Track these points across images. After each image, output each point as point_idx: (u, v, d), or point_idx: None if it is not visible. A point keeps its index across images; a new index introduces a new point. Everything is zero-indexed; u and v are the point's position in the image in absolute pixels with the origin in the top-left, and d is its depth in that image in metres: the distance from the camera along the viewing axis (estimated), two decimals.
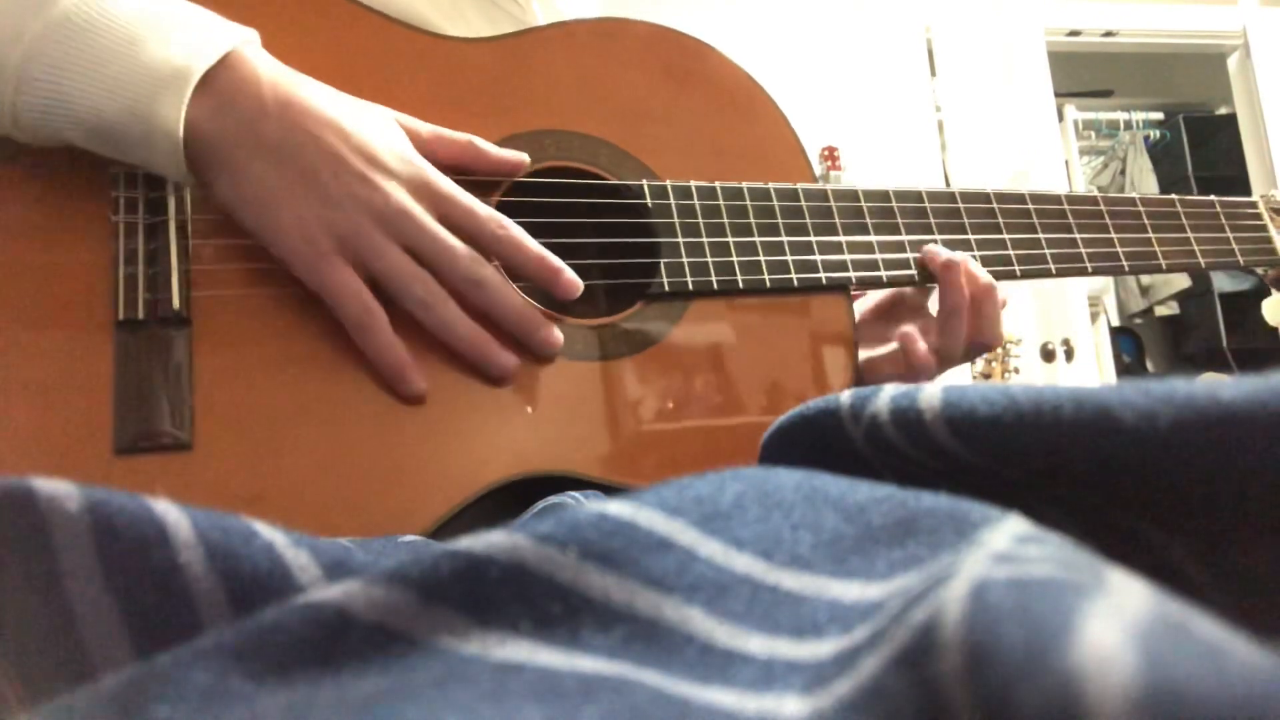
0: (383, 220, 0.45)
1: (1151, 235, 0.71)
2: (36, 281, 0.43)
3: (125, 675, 0.18)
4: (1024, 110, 2.90)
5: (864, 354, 0.67)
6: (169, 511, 0.22)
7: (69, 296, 0.43)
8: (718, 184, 0.58)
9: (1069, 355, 2.72)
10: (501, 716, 0.16)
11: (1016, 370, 2.50)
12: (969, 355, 0.64)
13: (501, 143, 0.54)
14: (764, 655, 0.18)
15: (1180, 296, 4.11)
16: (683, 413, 0.54)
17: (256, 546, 0.23)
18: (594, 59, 0.59)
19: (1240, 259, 0.75)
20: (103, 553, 0.22)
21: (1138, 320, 4.34)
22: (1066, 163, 3.61)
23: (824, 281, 0.59)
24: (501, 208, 0.51)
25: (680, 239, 0.56)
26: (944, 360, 0.63)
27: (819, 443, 0.32)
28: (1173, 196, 0.74)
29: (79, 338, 0.43)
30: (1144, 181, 4.09)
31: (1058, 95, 3.08)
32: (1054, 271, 0.66)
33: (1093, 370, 2.80)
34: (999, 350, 2.49)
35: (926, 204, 0.64)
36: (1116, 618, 0.13)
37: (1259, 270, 0.79)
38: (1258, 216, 0.77)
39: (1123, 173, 4.14)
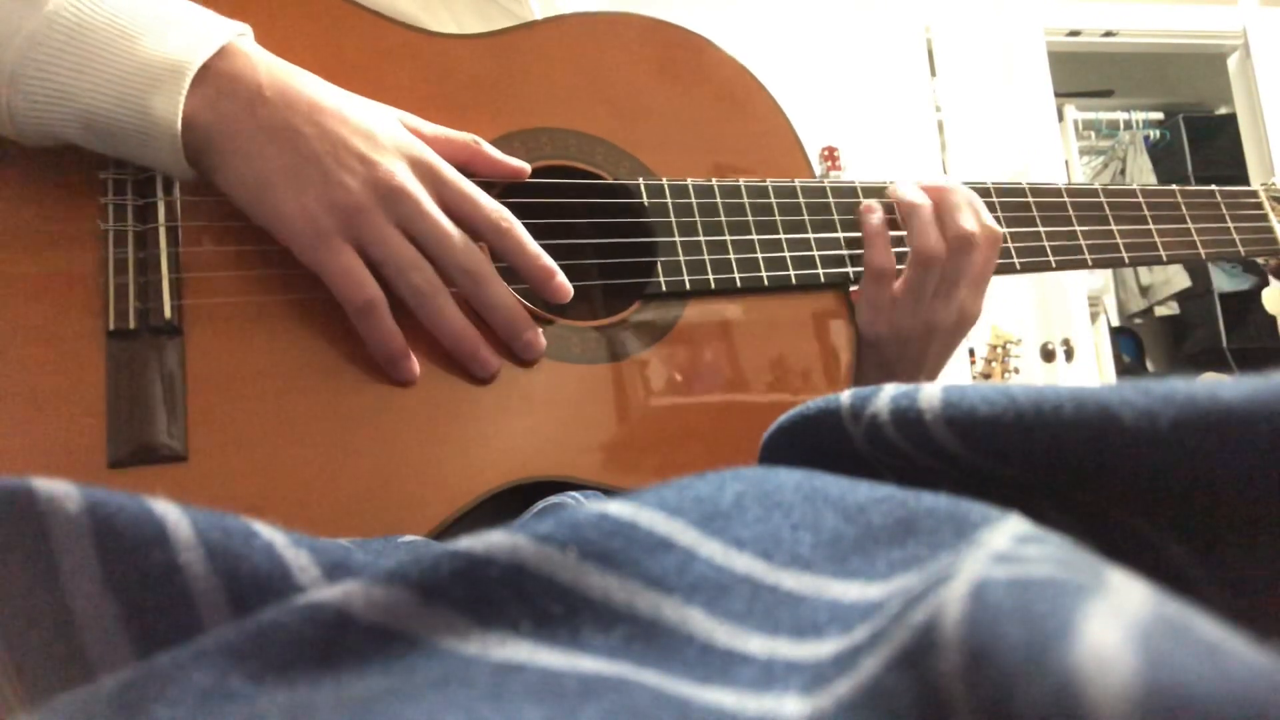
0: (383, 198, 0.45)
1: (1152, 226, 0.70)
2: (26, 292, 0.43)
3: (125, 675, 0.18)
4: (1024, 110, 2.90)
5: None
6: (169, 511, 0.22)
7: (60, 307, 0.43)
8: (715, 182, 0.58)
9: (1069, 355, 2.72)
10: (502, 717, 0.16)
11: (1016, 370, 2.50)
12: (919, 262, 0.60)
13: (497, 141, 0.54)
14: (764, 655, 0.18)
15: (1180, 296, 4.12)
16: (682, 413, 0.54)
17: (256, 546, 0.23)
18: (589, 53, 0.59)
19: (1241, 249, 0.75)
20: (102, 553, 0.22)
21: (1138, 320, 4.34)
22: (1066, 163, 3.61)
23: (822, 279, 0.59)
24: None
25: (677, 238, 0.56)
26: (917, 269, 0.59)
27: (819, 442, 0.32)
28: (1173, 187, 0.73)
29: (71, 349, 0.42)
30: (1144, 181, 4.08)
31: (1058, 95, 3.08)
32: (1054, 264, 0.66)
33: (1093, 370, 2.80)
34: (999, 350, 2.49)
35: None
36: (1117, 618, 0.13)
37: (1259, 260, 0.79)
38: (1258, 206, 0.77)
39: (1123, 173, 4.14)
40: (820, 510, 0.22)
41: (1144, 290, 4.18)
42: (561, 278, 0.50)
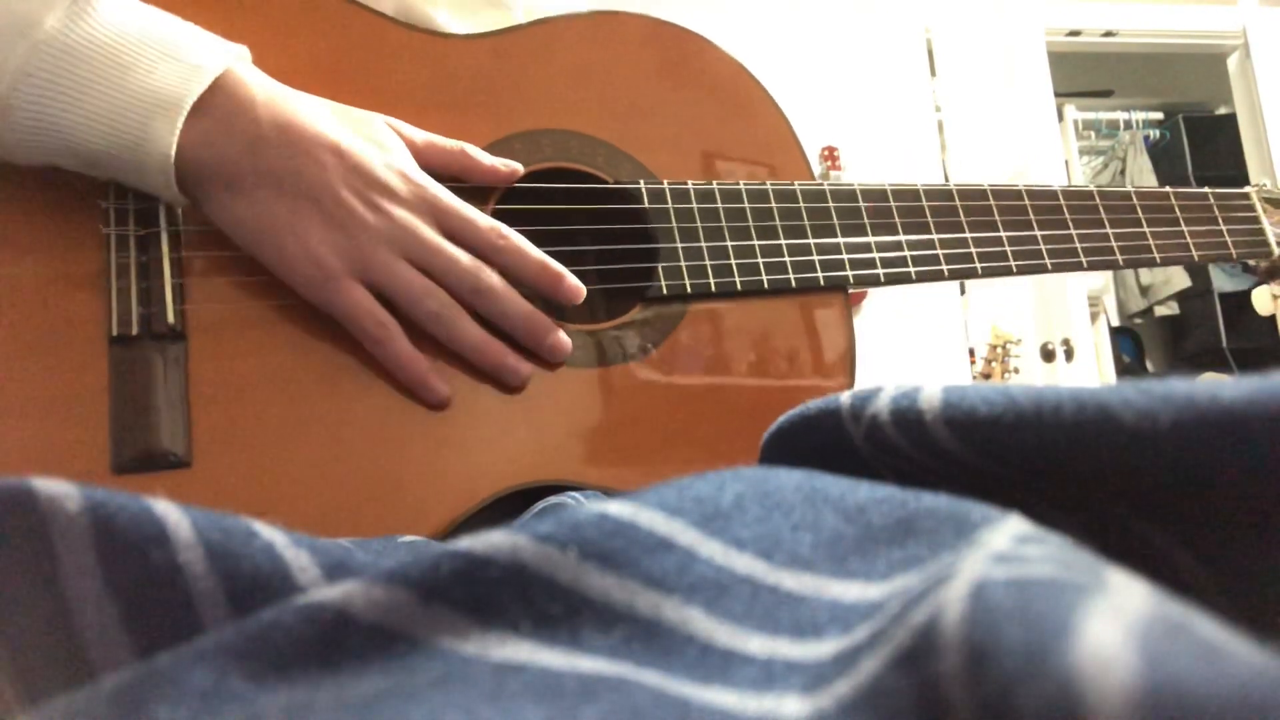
0: (388, 239, 0.46)
1: (1146, 230, 0.70)
2: (29, 297, 0.42)
3: (125, 675, 0.18)
4: (1024, 110, 2.89)
5: None
6: (169, 511, 0.22)
7: (62, 312, 0.43)
8: (715, 184, 0.58)
9: (1069, 355, 2.72)
10: (502, 717, 0.16)
11: (1016, 370, 2.50)
12: None
13: (499, 143, 0.54)
14: (764, 655, 0.18)
15: (1180, 296, 4.11)
16: (683, 416, 0.54)
17: (256, 546, 0.23)
18: (589, 54, 0.59)
19: (1233, 251, 0.75)
20: (102, 552, 0.22)
21: (1138, 320, 4.34)
22: (1066, 163, 3.61)
23: (822, 282, 0.59)
24: (498, 214, 0.51)
25: (678, 242, 0.56)
26: None
27: (819, 443, 0.32)
28: (1167, 189, 0.73)
29: (74, 354, 0.42)
30: (1144, 181, 4.08)
31: (1058, 95, 3.08)
32: (1050, 267, 0.66)
33: (1092, 370, 2.80)
34: (999, 350, 2.49)
35: (923, 201, 0.64)
36: (1116, 618, 0.13)
37: (1250, 262, 0.79)
38: (1250, 208, 0.77)
39: (1122, 173, 4.14)
40: (820, 510, 0.22)
41: (1144, 290, 4.18)
42: (571, 279, 0.51)
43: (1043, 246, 0.66)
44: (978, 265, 0.63)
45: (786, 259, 0.58)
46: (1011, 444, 0.23)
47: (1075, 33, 3.14)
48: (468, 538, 0.20)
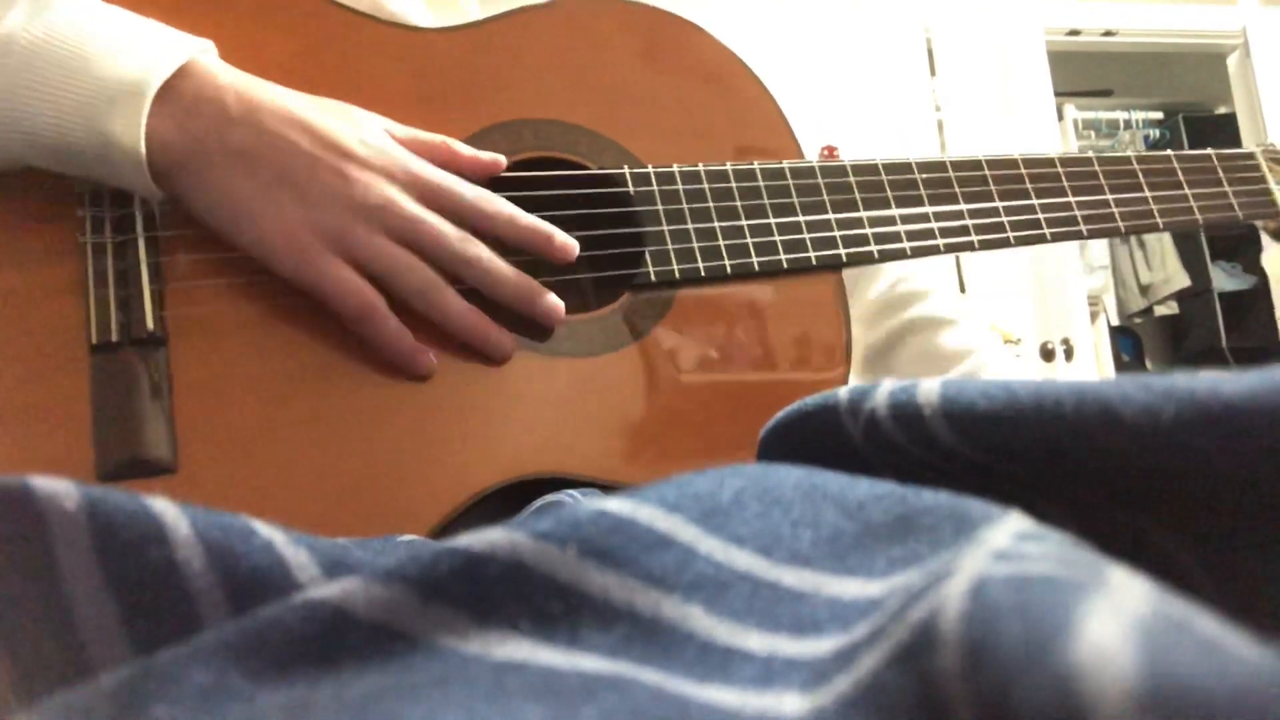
0: (365, 213, 0.45)
1: (1148, 194, 0.68)
2: (7, 308, 0.42)
3: (124, 673, 0.18)
4: (1024, 110, 2.89)
5: None
6: (167, 509, 0.22)
7: (41, 322, 0.42)
8: (701, 166, 0.57)
9: (1069, 355, 2.72)
10: (501, 715, 0.16)
11: None
12: None
13: (479, 135, 0.53)
14: (764, 653, 0.18)
15: (1180, 296, 4.11)
16: (676, 403, 0.53)
17: (255, 545, 0.23)
18: (569, 41, 0.58)
19: (1239, 213, 0.73)
20: (101, 551, 0.22)
21: (1137, 320, 4.33)
22: None
23: (814, 261, 0.57)
24: None
25: (665, 226, 0.55)
26: None
27: (817, 439, 0.32)
28: (1168, 153, 0.72)
29: (54, 364, 0.42)
30: None
31: (1058, 95, 3.08)
32: (1049, 237, 0.64)
33: (1092, 370, 2.80)
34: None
35: (916, 175, 0.62)
36: (1116, 615, 0.13)
37: (1258, 223, 0.77)
38: (1255, 168, 0.75)
39: None
40: (820, 507, 0.22)
41: (1144, 289, 4.18)
42: (562, 236, 0.50)
43: (1040, 215, 0.64)
44: (974, 238, 0.62)
45: (777, 238, 0.57)
46: (1011, 439, 0.23)
47: (1075, 32, 3.14)
48: (467, 535, 0.20)
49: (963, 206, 0.62)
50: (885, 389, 0.28)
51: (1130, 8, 3.18)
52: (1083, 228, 0.65)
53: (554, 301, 0.50)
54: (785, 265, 0.56)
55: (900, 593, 0.18)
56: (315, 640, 0.19)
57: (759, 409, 0.49)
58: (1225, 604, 0.21)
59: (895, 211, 0.60)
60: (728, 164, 0.57)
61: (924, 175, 0.62)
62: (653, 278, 0.54)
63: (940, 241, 0.61)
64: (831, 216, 0.59)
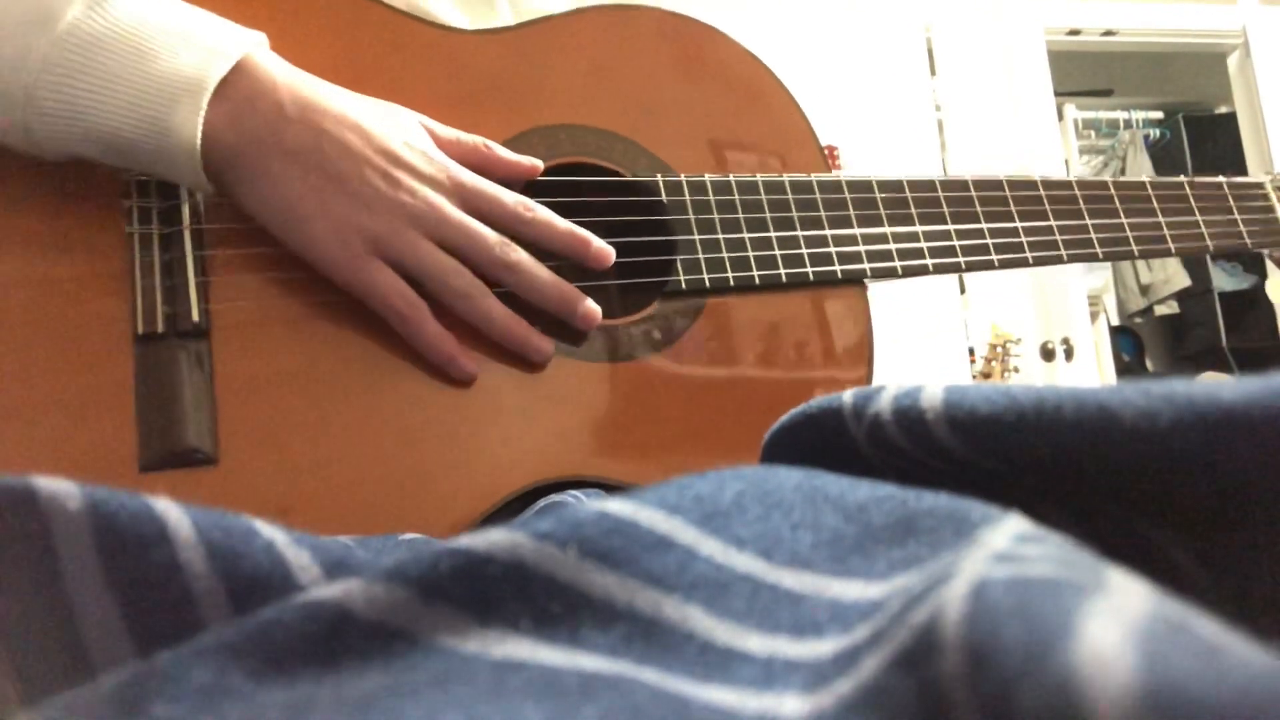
0: (413, 218, 0.46)
1: (1161, 219, 0.71)
2: (54, 297, 0.42)
3: (125, 673, 0.18)
4: (1024, 110, 2.89)
5: None
6: (169, 510, 0.22)
7: (87, 312, 0.43)
8: (732, 177, 0.58)
9: (1069, 354, 2.72)
10: (501, 715, 0.16)
11: (1016, 369, 2.50)
12: None
13: (517, 139, 0.54)
14: (764, 654, 0.18)
15: (1180, 296, 4.11)
16: (704, 409, 0.54)
17: (256, 545, 0.23)
18: (605, 48, 0.59)
19: (1248, 240, 0.75)
20: (103, 551, 0.22)
21: (1138, 320, 4.33)
22: (1066, 162, 3.61)
23: (839, 274, 0.59)
24: None
25: (696, 235, 0.56)
26: None
27: (820, 442, 0.32)
28: (1182, 179, 0.74)
29: (99, 353, 0.42)
30: None
31: (1058, 94, 3.08)
32: (1065, 258, 0.66)
33: (1092, 370, 2.80)
34: (999, 350, 2.49)
35: (940, 193, 0.64)
36: (1116, 617, 0.13)
37: (1265, 251, 0.79)
38: (1265, 197, 0.77)
39: (1123, 172, 4.14)
40: (820, 509, 0.22)
41: (1144, 289, 4.18)
42: (598, 242, 0.51)
43: (1059, 237, 0.66)
44: (994, 257, 0.64)
45: (804, 251, 0.58)
46: (1012, 443, 0.23)
47: (1075, 32, 3.14)
48: (467, 535, 0.20)
49: (984, 225, 0.65)
50: (889, 393, 0.28)
51: (1130, 8, 3.18)
52: (1098, 250, 0.68)
53: (592, 307, 0.51)
54: (811, 278, 0.58)
55: (901, 595, 0.18)
56: (316, 640, 0.19)
57: (783, 414, 0.52)
58: (1224, 607, 0.21)
59: (919, 229, 0.62)
60: (758, 176, 0.59)
61: (946, 194, 0.64)
62: (683, 285, 0.55)
63: (961, 260, 0.63)
64: (857, 231, 0.60)
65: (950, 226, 0.63)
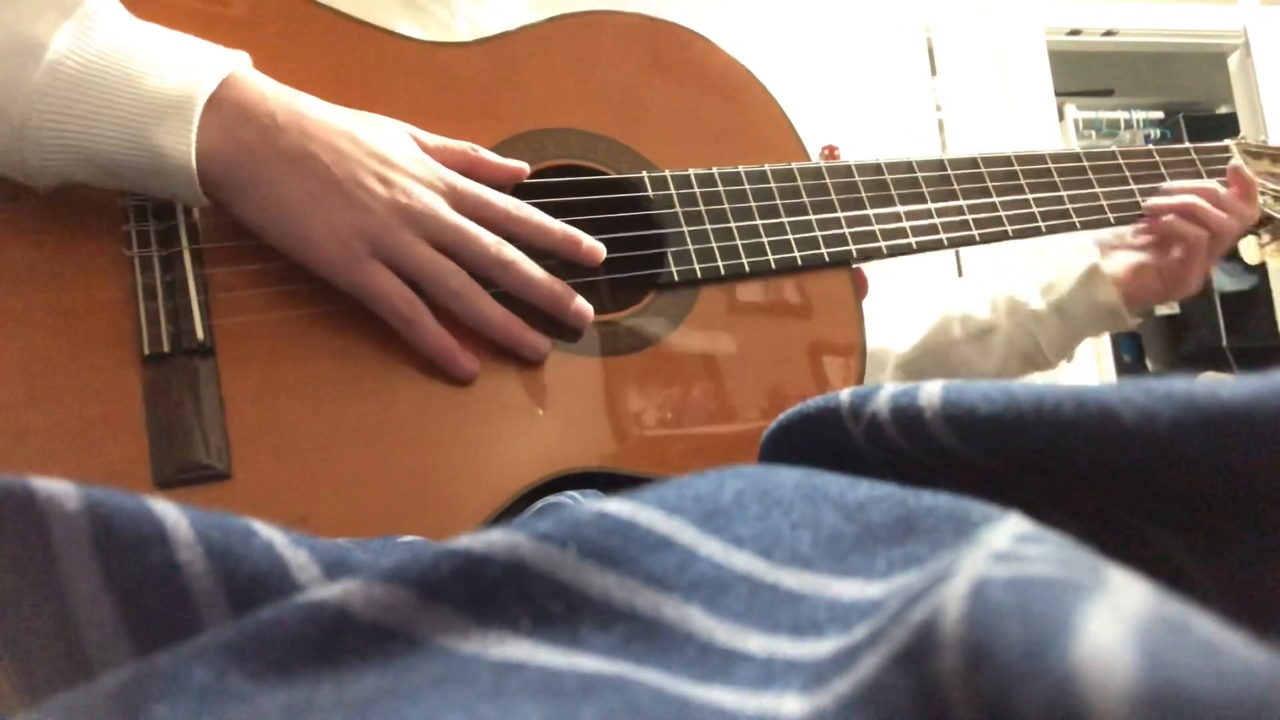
0: (409, 218, 0.46)
1: (1134, 187, 0.73)
2: (59, 323, 0.43)
3: (124, 674, 0.18)
4: (1024, 109, 2.89)
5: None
6: (168, 511, 0.22)
7: (93, 336, 0.43)
8: (715, 170, 0.59)
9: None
10: (501, 715, 0.16)
11: None
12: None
13: (501, 145, 0.55)
14: (764, 654, 0.18)
15: None
16: (705, 397, 0.55)
17: (255, 545, 0.23)
18: (584, 53, 0.60)
19: None
20: (102, 552, 0.22)
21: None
22: None
23: (826, 258, 0.60)
24: None
25: (685, 228, 0.57)
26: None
27: (819, 441, 0.32)
28: (1150, 147, 0.76)
29: (108, 377, 0.43)
30: None
31: (1058, 94, 3.08)
32: (1043, 230, 0.68)
33: (1093, 369, 2.80)
34: None
35: (918, 173, 0.66)
36: (1116, 617, 0.13)
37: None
38: (1230, 160, 0.79)
39: None
40: (820, 509, 0.22)
41: None
42: (589, 240, 0.52)
43: (1035, 210, 0.68)
44: (975, 232, 0.66)
45: (790, 237, 0.60)
46: (1011, 442, 0.23)
47: (1075, 32, 3.14)
48: (467, 536, 0.20)
49: (962, 203, 0.66)
50: (887, 392, 0.28)
51: (1131, 8, 3.18)
52: (1075, 220, 0.70)
53: (584, 305, 0.52)
54: (800, 263, 0.59)
55: (900, 594, 0.18)
56: (315, 641, 0.19)
57: (782, 400, 0.53)
58: (1224, 606, 0.21)
59: (900, 209, 0.64)
60: (740, 167, 0.60)
61: (924, 174, 0.66)
62: (675, 277, 0.56)
63: (944, 236, 0.64)
64: (840, 215, 0.62)
65: (930, 205, 0.65)
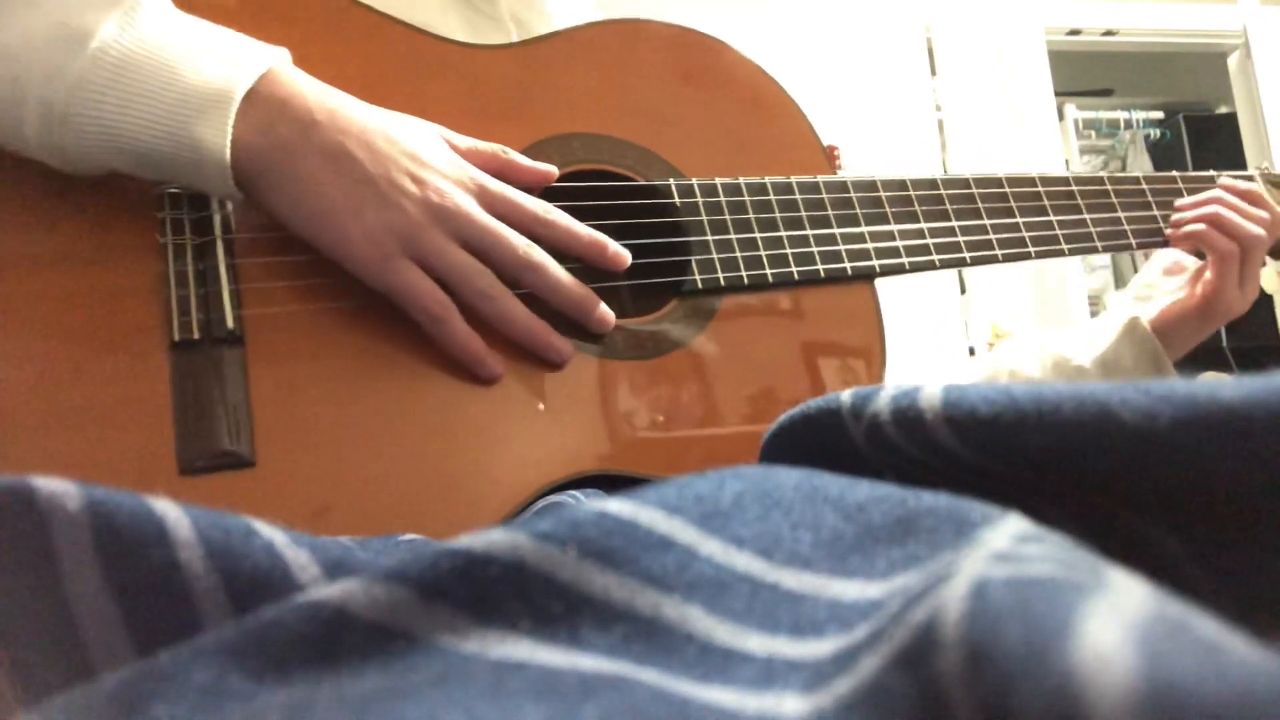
0: (440, 218, 0.47)
1: (1156, 213, 0.74)
2: (90, 308, 0.43)
3: (125, 673, 0.18)
4: (1024, 109, 2.90)
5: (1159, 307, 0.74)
6: (168, 510, 0.22)
7: (123, 321, 0.44)
8: (742, 180, 0.60)
9: None
10: (501, 715, 0.16)
11: None
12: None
13: (532, 148, 0.55)
14: (764, 654, 0.18)
15: None
16: (724, 403, 0.55)
17: (256, 545, 0.23)
18: (616, 62, 0.61)
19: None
20: (102, 551, 0.22)
21: None
22: (1066, 162, 3.61)
23: (849, 272, 0.61)
24: None
25: (709, 236, 0.58)
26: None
27: (820, 441, 0.32)
28: (1174, 174, 0.77)
29: (136, 362, 0.43)
30: None
31: (1058, 94, 3.08)
32: (1066, 251, 0.69)
33: None
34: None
35: (942, 190, 0.67)
36: (1116, 617, 0.13)
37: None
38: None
39: (1123, 171, 4.13)
40: (820, 509, 0.22)
41: None
42: (615, 246, 0.53)
43: (1059, 232, 0.69)
44: (998, 251, 0.66)
45: (814, 249, 0.60)
46: (1011, 443, 0.23)
47: (1075, 32, 3.14)
48: (467, 535, 0.20)
49: (986, 222, 0.67)
50: (888, 393, 0.28)
51: (1131, 7, 3.18)
52: (1098, 244, 0.71)
53: (606, 312, 0.52)
54: (823, 275, 0.60)
55: (900, 594, 0.18)
56: (316, 640, 0.19)
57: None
58: (1224, 607, 0.21)
59: (924, 225, 0.65)
60: (766, 178, 0.61)
61: (948, 191, 0.67)
62: (699, 284, 0.57)
63: (967, 255, 0.66)
64: (865, 229, 0.63)
65: (954, 224, 0.66)
